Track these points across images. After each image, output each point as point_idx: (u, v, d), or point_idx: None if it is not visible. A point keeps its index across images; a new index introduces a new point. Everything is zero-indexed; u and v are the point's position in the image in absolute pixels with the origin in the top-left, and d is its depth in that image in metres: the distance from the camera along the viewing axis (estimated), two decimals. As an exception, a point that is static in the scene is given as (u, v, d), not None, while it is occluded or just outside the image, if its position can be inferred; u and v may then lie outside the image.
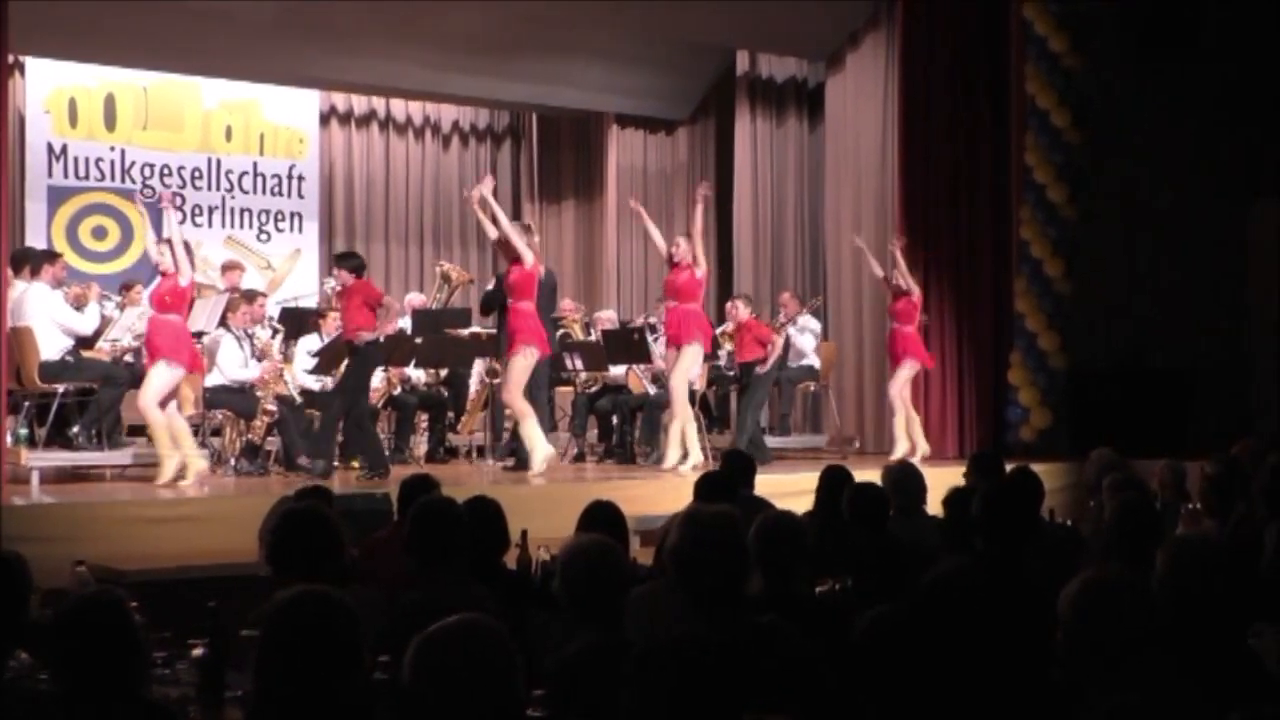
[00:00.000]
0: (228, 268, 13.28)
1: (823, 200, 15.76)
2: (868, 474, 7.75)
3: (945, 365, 13.56)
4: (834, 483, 7.23)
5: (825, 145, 15.59)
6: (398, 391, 12.89)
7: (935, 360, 13.11)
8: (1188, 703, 3.42)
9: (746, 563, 4.02)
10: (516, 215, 18.42)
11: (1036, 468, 7.75)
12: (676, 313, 11.60)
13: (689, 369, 11.70)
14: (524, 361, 11.06)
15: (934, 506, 7.42)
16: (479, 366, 13.44)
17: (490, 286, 12.00)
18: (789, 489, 9.57)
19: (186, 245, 10.94)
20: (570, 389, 13.74)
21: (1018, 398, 13.28)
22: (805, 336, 13.78)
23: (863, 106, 14.80)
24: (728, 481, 7.09)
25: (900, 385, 12.67)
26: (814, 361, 13.87)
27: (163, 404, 10.25)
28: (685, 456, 11.57)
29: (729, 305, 13.38)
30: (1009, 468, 8.02)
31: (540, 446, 11.14)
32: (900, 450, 12.36)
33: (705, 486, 6.83)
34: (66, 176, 15.67)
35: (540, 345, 11.17)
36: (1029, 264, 13.23)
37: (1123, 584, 3.50)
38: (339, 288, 11.42)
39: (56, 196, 15.60)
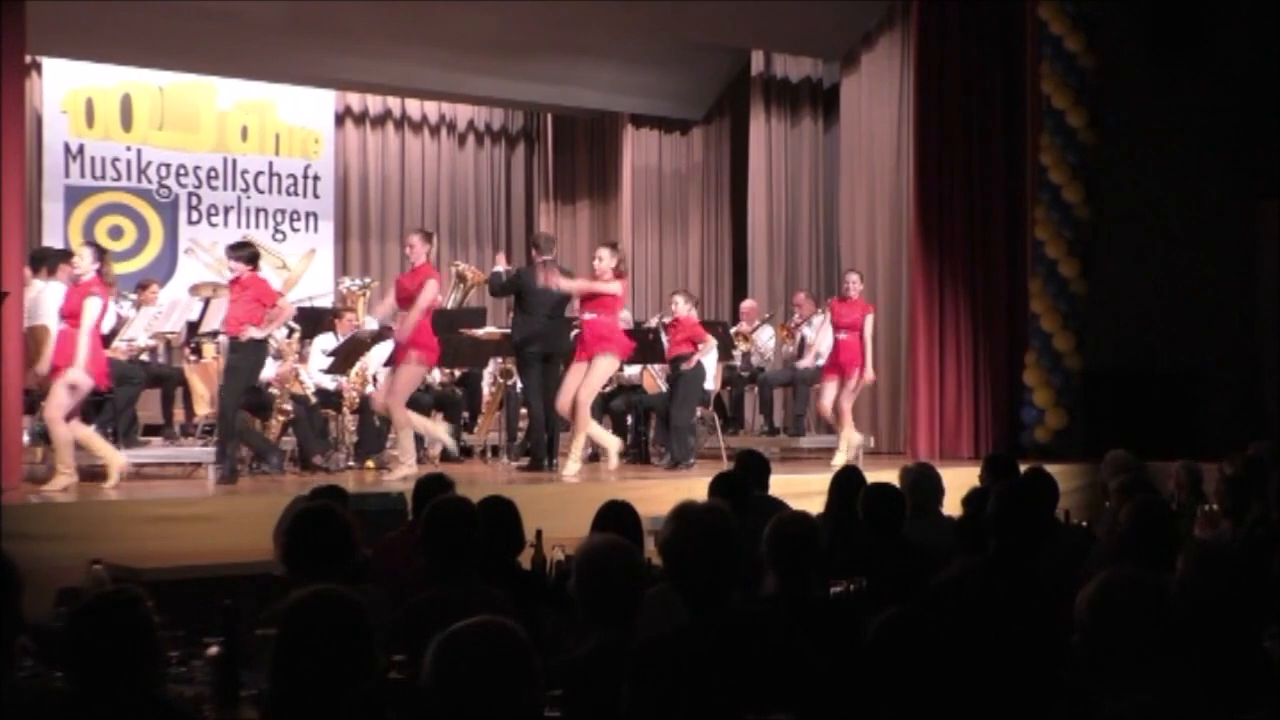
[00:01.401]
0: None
1: (837, 200, 15.75)
2: (882, 474, 7.74)
3: (961, 366, 13.53)
4: (847, 484, 7.23)
5: (840, 145, 15.57)
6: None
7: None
8: (1202, 705, 3.41)
9: (736, 558, 3.99)
10: (531, 215, 18.45)
11: (1051, 469, 7.74)
12: (593, 324, 11.36)
13: (600, 381, 11.60)
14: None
15: (949, 507, 7.42)
16: (493, 366, 13.45)
17: (498, 269, 11.88)
18: (803, 489, 9.55)
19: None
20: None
21: (1033, 398, 13.25)
22: (825, 336, 13.75)
23: (877, 106, 14.78)
24: (740, 482, 7.09)
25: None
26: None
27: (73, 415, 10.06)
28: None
29: (671, 299, 13.22)
30: (1023, 468, 8.00)
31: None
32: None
33: (718, 487, 6.82)
34: (83, 176, 15.71)
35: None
36: (1044, 264, 13.20)
37: (1141, 586, 3.49)
38: (233, 278, 10.74)
39: (73, 196, 15.64)
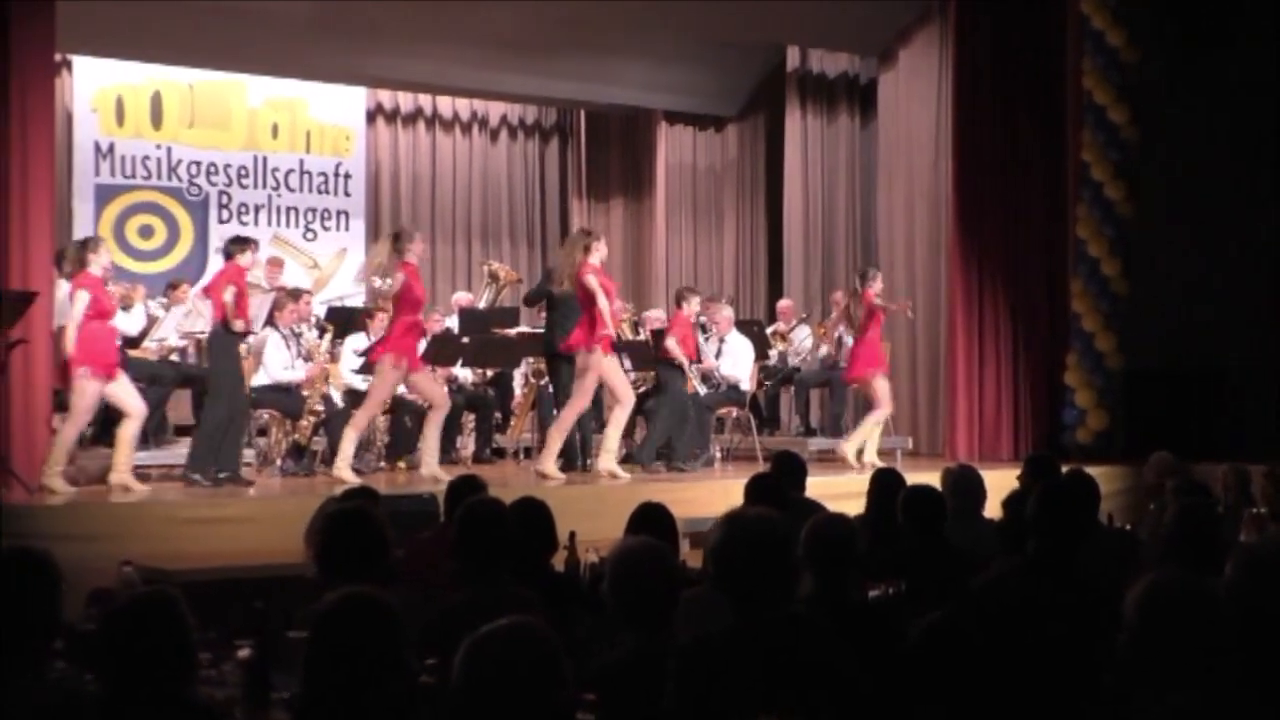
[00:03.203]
0: (268, 265, 13.35)
1: (875, 198, 15.71)
2: (921, 476, 7.71)
3: (1000, 366, 13.48)
4: (886, 486, 7.20)
5: (877, 142, 15.53)
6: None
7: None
8: (1250, 709, 3.39)
9: (789, 565, 4.00)
10: (565, 212, 18.47)
11: (1093, 470, 7.69)
12: None
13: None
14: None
15: (990, 510, 7.39)
16: (525, 367, 13.47)
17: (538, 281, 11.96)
18: (841, 491, 9.54)
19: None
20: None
21: (1074, 399, 13.19)
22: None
23: (915, 103, 14.74)
24: (777, 484, 7.07)
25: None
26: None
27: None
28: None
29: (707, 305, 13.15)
30: (1065, 470, 7.96)
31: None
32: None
33: (755, 489, 6.81)
34: (113, 175, 15.79)
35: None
36: (1085, 263, 13.14)
37: (1191, 589, 3.46)
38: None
39: (103, 195, 15.72)
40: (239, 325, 10.39)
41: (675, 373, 12.27)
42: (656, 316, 13.88)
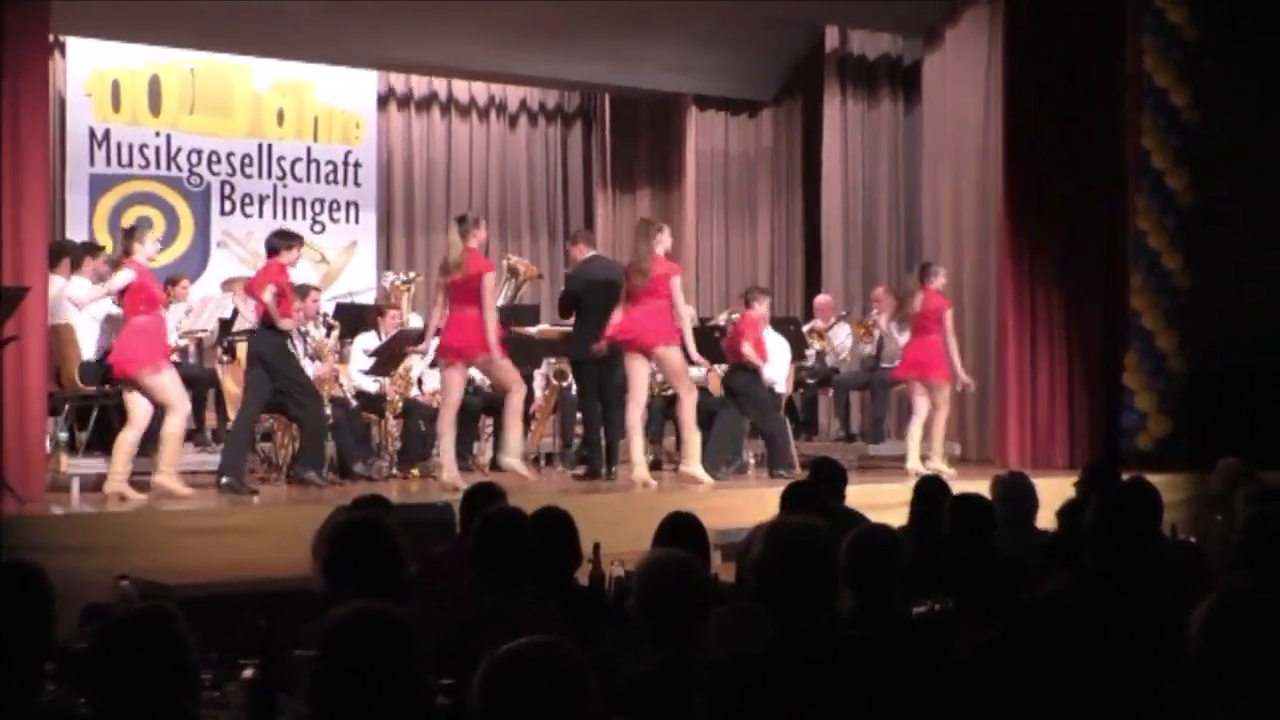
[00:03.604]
0: (271, 260, 13.38)
1: (919, 187, 15.69)
2: (969, 484, 7.69)
3: (1054, 368, 13.45)
4: (931, 494, 7.19)
5: (922, 128, 15.50)
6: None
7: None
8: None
9: (832, 577, 4.00)
10: (589, 203, 18.46)
11: (1154, 479, 7.66)
12: None
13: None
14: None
15: (1043, 521, 7.37)
16: (546, 368, 13.47)
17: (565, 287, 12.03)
18: (883, 500, 9.52)
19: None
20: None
21: (1133, 402, 13.15)
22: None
23: (963, 86, 14.70)
24: (816, 492, 7.06)
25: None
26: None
27: None
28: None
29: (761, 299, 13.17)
30: (1124, 478, 7.93)
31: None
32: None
33: (792, 498, 6.80)
34: (109, 164, 15.83)
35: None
36: (1145, 256, 13.09)
37: (1264, 600, 3.44)
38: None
39: (98, 185, 15.77)
40: (286, 324, 10.56)
41: (750, 376, 12.41)
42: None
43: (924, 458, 12.42)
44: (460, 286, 10.47)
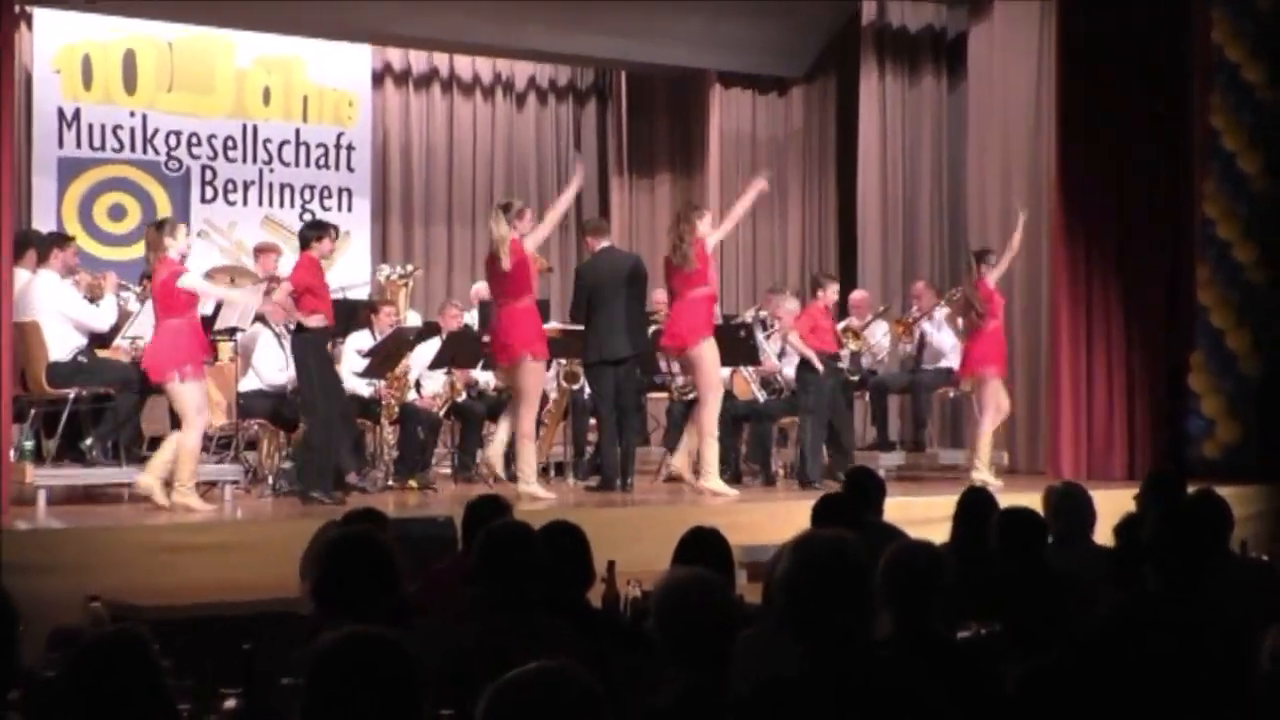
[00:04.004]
0: (261, 251, 13.40)
1: (964, 171, 15.68)
2: (1018, 497, 7.69)
3: (1112, 368, 13.43)
4: (976, 508, 7.19)
5: (967, 106, 15.50)
6: (463, 398, 12.96)
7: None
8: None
9: (866, 596, 4.00)
10: (604, 189, 18.47)
11: (1223, 491, 7.64)
12: None
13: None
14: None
15: (1100, 537, 7.36)
16: (556, 369, 13.48)
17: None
18: (924, 514, 9.53)
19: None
20: (664, 396, 13.74)
21: (1200, 407, 13.13)
22: (944, 333, 13.69)
23: (1012, 60, 14.70)
24: (850, 505, 7.06)
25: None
26: (954, 363, 13.77)
27: None
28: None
29: (824, 284, 13.24)
30: (1190, 490, 7.92)
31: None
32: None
33: (825, 511, 6.80)
34: (79, 147, 15.86)
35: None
36: (1215, 247, 13.07)
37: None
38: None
39: (68, 170, 15.80)
40: (314, 320, 10.76)
41: (810, 372, 12.51)
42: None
43: (969, 468, 12.43)
44: (505, 279, 10.68)
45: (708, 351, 11.28)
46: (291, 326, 11.74)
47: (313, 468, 10.84)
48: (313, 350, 10.83)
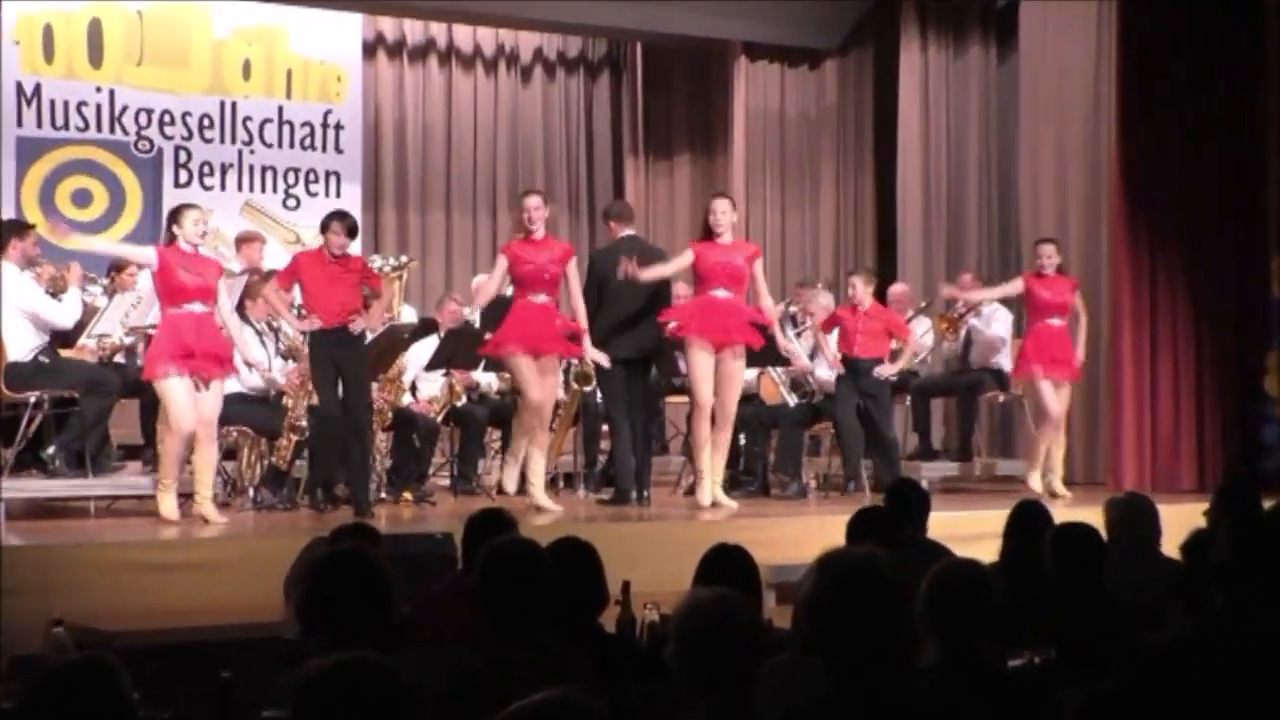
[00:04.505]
0: (243, 241, 13.41)
1: (1015, 153, 15.65)
2: (1075, 511, 7.67)
3: (1179, 370, 13.40)
4: (1029, 522, 7.19)
5: (1019, 81, 15.47)
6: (462, 402, 12.96)
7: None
8: None
9: (902, 618, 3.99)
10: (618, 172, 18.47)
11: (1302, 503, 7.65)
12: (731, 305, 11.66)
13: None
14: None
15: (1167, 553, 7.36)
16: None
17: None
18: (972, 530, 9.49)
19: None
20: (684, 399, 13.72)
21: (1277, 413, 13.11)
22: (994, 330, 13.66)
23: (1069, 31, 14.67)
24: (890, 520, 7.05)
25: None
26: (1005, 365, 13.76)
27: None
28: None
29: (851, 281, 13.25)
30: (1267, 505, 7.91)
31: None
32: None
33: (862, 526, 6.81)
34: (40, 126, 15.88)
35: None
36: (1290, 241, 13.07)
37: None
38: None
39: (27, 151, 15.81)
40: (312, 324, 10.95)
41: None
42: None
43: (1023, 480, 12.46)
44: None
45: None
46: (276, 324, 11.78)
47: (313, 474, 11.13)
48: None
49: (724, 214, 11.45)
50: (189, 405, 10.23)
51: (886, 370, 12.55)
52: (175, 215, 10.55)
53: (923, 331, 14.49)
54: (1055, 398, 12.56)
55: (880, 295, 14.77)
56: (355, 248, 16.44)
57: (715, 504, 11.48)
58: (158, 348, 10.25)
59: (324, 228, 11.20)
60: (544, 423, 11.39)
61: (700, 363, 11.31)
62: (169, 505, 10.32)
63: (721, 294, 11.33)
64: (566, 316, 11.30)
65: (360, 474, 11.01)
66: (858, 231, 17.46)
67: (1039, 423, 12.72)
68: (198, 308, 10.30)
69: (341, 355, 10.90)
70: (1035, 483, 12.41)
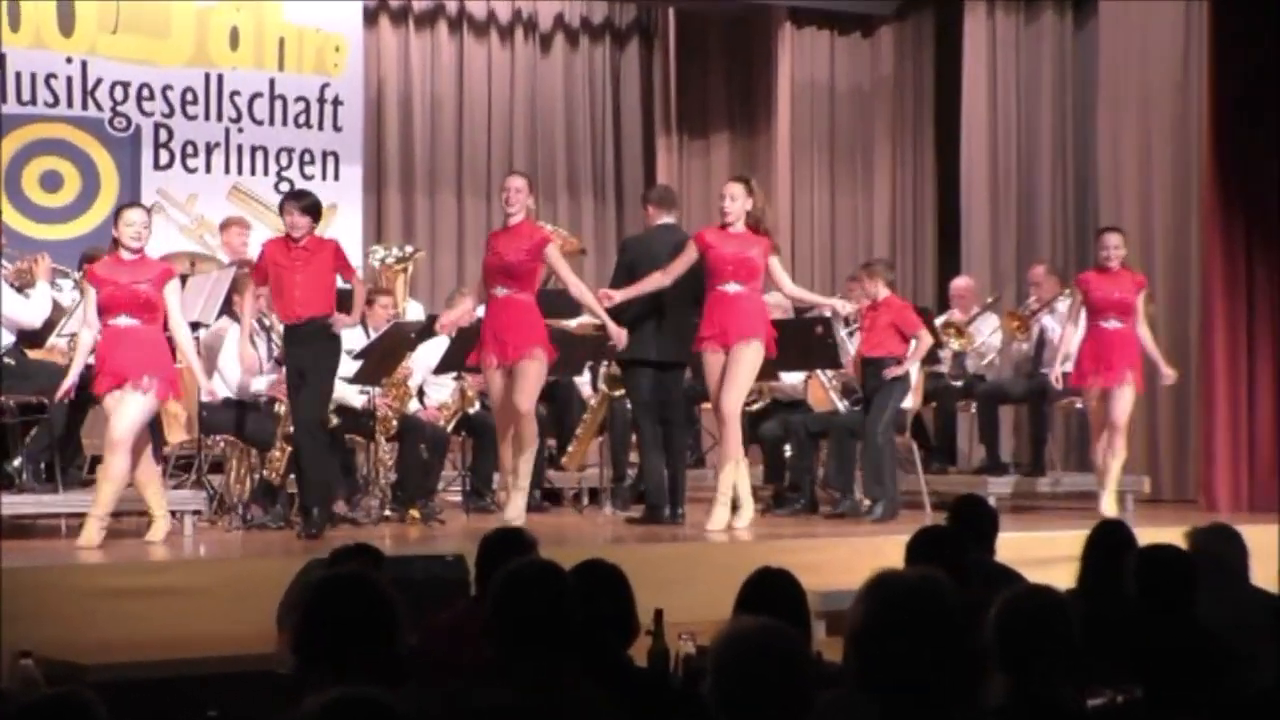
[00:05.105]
0: (224, 227, 13.45)
1: (1094, 130, 15.63)
2: (1162, 533, 7.66)
3: (1279, 382, 13.37)
4: (1110, 545, 7.18)
5: (1097, 50, 15.44)
6: (475, 409, 12.96)
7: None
8: None
9: (960, 646, 3.99)
10: (649, 152, 18.47)
11: None
12: (739, 301, 11.52)
13: (749, 381, 11.78)
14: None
15: (1263, 580, 7.35)
16: (591, 374, 13.50)
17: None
18: (1045, 553, 9.49)
19: None
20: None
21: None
22: (1070, 329, 13.64)
23: (1154, -5, 14.69)
24: (955, 541, 7.05)
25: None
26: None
27: None
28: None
29: (859, 276, 13.22)
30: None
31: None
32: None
33: (922, 548, 6.81)
34: (5, 101, 15.89)
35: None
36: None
37: None
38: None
39: (-9, 129, 15.86)
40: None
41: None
42: (775, 302, 13.74)
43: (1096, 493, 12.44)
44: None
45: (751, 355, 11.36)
46: (268, 321, 11.80)
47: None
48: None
49: (734, 200, 11.37)
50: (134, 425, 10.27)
51: (895, 370, 12.39)
52: (115, 217, 10.64)
53: (990, 330, 14.48)
54: (1112, 407, 12.49)
55: (941, 289, 14.81)
56: (354, 235, 16.61)
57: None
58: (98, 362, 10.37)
59: (280, 209, 11.25)
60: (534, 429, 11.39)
61: (714, 370, 11.29)
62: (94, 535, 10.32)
63: (732, 289, 11.29)
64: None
65: (312, 489, 11.01)
66: (916, 218, 17.47)
67: (1096, 435, 12.65)
68: (124, 321, 10.31)
69: (298, 354, 10.94)
70: (1107, 506, 12.33)
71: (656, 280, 11.38)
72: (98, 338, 10.33)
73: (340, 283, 11.07)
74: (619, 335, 11.32)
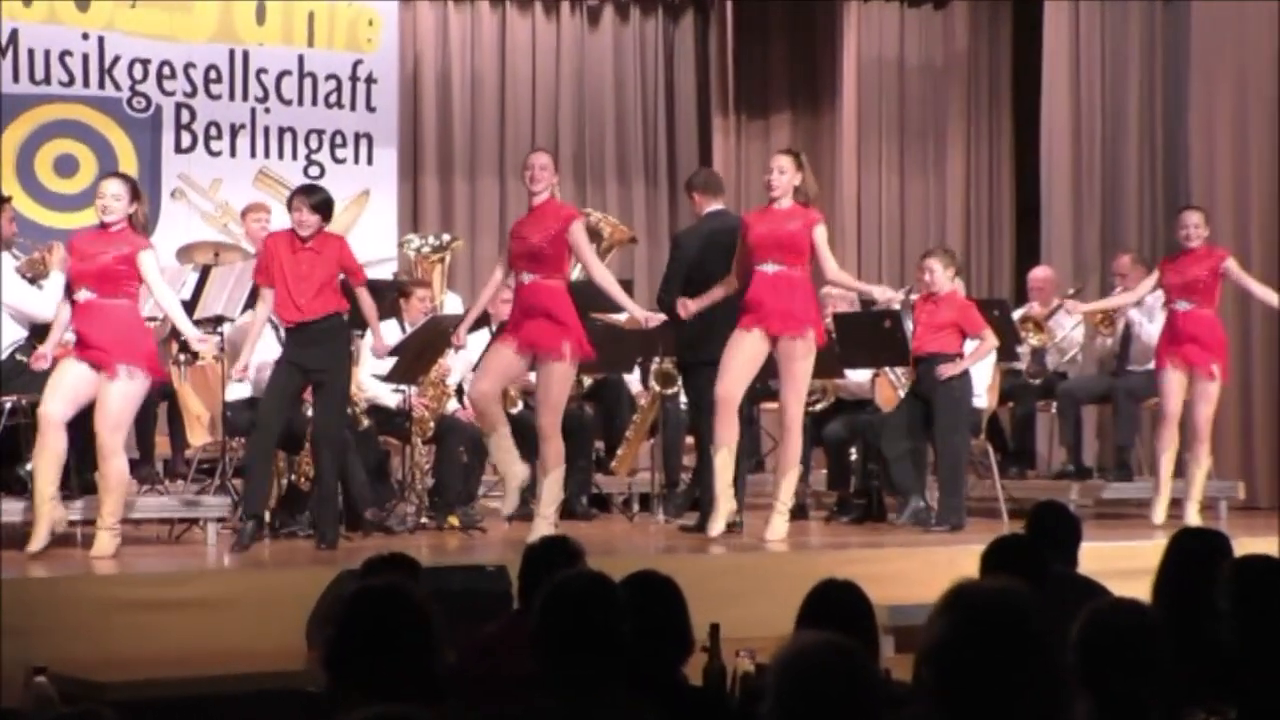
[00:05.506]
0: (247, 212, 13.47)
1: (1185, 111, 15.58)
2: (1258, 542, 7.63)
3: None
4: (1198, 555, 7.15)
5: (1190, 28, 15.40)
6: (518, 408, 12.96)
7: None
8: None
9: (1046, 666, 3.98)
10: (704, 133, 18.48)
11: None
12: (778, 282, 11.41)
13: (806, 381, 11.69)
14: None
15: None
16: (641, 372, 13.50)
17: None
18: (1131, 563, 9.45)
19: None
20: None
21: None
22: (1158, 323, 13.60)
23: (1250, -38, 14.65)
24: (1033, 551, 7.04)
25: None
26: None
27: None
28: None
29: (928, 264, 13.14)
30: None
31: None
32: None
33: (999, 559, 6.80)
34: (18, 80, 15.97)
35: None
36: None
37: None
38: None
39: (3, 110, 15.90)
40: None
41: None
42: (840, 294, 13.75)
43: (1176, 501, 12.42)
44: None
45: (803, 351, 11.27)
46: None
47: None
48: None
49: (782, 173, 11.28)
50: (51, 386, 10.29)
51: (949, 369, 12.28)
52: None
53: (1073, 325, 14.44)
54: (1192, 409, 12.43)
55: (1019, 280, 14.77)
56: (387, 223, 16.63)
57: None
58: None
59: (288, 204, 11.24)
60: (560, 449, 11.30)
61: (735, 348, 11.17)
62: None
63: (770, 268, 11.17)
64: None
65: (325, 505, 11.02)
66: (992, 202, 17.45)
67: (1162, 424, 12.62)
68: (83, 295, 10.36)
69: (307, 356, 10.88)
70: (1191, 518, 12.27)
71: (727, 286, 11.34)
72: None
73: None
74: (647, 320, 11.27)
